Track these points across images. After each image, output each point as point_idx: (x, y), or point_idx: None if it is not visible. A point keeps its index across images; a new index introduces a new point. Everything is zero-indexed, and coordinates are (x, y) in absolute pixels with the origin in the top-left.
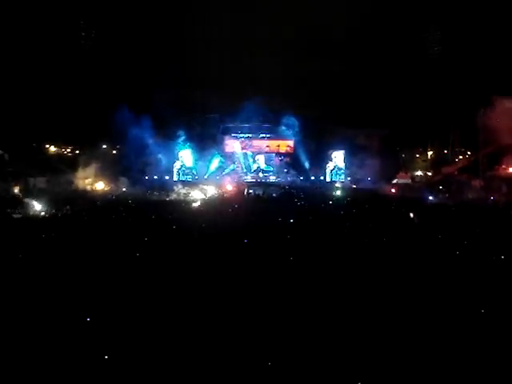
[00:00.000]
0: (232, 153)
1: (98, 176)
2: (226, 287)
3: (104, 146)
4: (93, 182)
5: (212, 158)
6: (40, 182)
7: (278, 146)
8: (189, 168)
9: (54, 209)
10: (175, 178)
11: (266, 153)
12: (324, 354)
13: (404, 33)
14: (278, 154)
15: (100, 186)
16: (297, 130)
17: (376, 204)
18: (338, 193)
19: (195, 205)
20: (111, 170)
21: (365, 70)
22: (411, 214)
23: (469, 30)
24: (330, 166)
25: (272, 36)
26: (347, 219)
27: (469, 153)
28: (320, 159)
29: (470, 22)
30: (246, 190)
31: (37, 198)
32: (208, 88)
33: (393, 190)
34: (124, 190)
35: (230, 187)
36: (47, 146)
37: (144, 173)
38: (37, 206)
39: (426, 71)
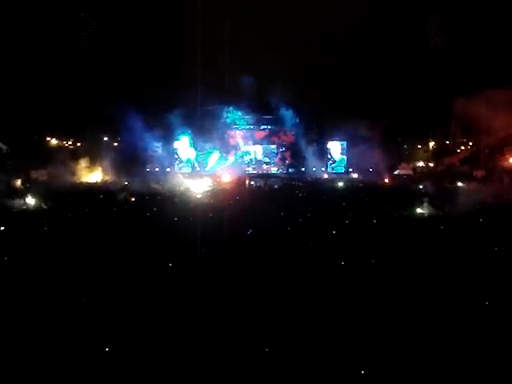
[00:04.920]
0: (233, 145)
1: (99, 168)
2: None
3: (105, 139)
4: (94, 174)
5: (213, 150)
6: (41, 174)
7: (279, 137)
8: (190, 160)
9: (54, 202)
10: (177, 170)
11: (267, 144)
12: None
13: (404, 23)
14: (279, 145)
15: (101, 178)
16: (298, 121)
17: (371, 194)
18: (338, 184)
19: (197, 197)
20: (112, 162)
21: (366, 60)
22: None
23: (470, 18)
24: (330, 157)
25: (272, 28)
26: (345, 209)
27: (471, 143)
28: (321, 150)
29: (471, 11)
30: (247, 182)
31: (38, 190)
32: (209, 80)
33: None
34: (126, 183)
35: (231, 179)
36: (48, 138)
37: (145, 165)
38: (38, 200)
39: (427, 61)
